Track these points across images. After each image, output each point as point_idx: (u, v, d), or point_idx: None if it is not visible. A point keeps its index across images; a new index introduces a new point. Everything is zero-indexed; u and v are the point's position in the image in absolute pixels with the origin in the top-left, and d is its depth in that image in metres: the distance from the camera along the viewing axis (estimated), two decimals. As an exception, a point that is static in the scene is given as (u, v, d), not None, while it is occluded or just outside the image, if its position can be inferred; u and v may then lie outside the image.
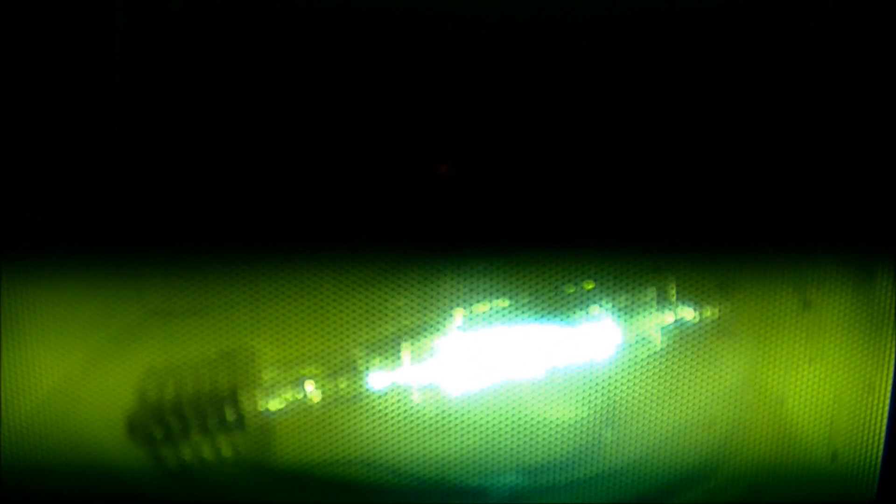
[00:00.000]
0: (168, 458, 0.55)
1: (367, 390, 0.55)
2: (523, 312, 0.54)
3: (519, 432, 0.55)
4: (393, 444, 0.55)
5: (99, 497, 0.56)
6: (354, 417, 0.55)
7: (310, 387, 0.55)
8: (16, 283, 0.54)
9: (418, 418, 0.55)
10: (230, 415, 0.55)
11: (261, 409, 0.55)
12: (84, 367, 0.56)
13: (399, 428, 0.55)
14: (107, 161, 0.56)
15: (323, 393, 0.55)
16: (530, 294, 0.54)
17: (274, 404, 0.55)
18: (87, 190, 0.56)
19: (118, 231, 0.55)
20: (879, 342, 0.56)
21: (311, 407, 0.55)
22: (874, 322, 0.56)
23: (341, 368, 0.55)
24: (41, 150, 0.55)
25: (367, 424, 0.55)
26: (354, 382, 0.55)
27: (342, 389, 0.55)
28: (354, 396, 0.55)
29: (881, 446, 0.56)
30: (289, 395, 0.55)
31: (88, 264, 0.55)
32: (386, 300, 0.54)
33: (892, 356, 0.56)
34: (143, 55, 0.56)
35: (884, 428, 0.56)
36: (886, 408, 0.55)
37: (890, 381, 0.56)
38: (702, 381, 0.56)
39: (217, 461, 0.55)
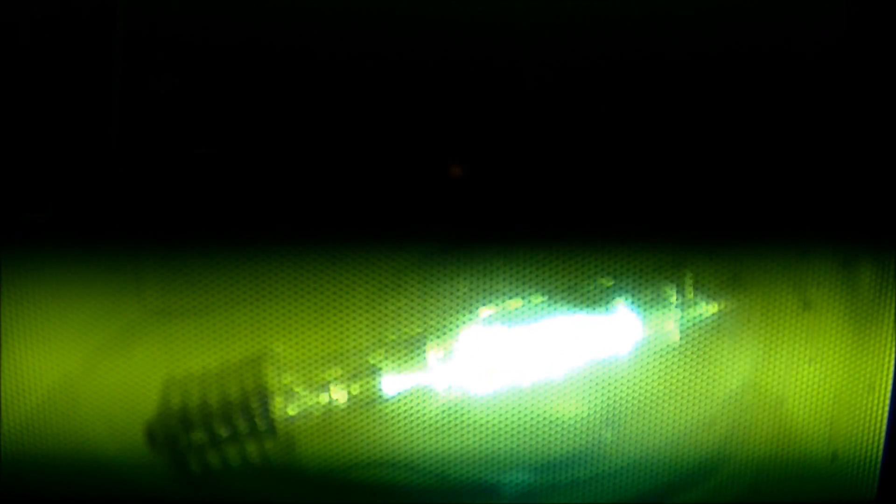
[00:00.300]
0: (169, 459, 0.55)
1: (386, 393, 0.55)
2: (534, 311, 0.54)
3: (529, 431, 0.55)
4: (414, 445, 0.55)
5: (99, 496, 0.56)
6: (369, 419, 0.55)
7: (322, 390, 0.55)
8: (16, 283, 0.54)
9: (440, 419, 0.55)
10: (248, 417, 0.55)
11: (271, 412, 0.55)
12: (84, 367, 0.56)
13: (421, 428, 0.55)
14: (107, 161, 0.56)
15: (330, 395, 0.55)
16: (540, 293, 0.54)
17: (287, 408, 0.55)
18: (87, 190, 0.56)
19: (120, 230, 0.55)
20: (879, 342, 0.56)
21: (320, 409, 0.55)
22: (874, 322, 0.56)
23: (355, 371, 0.55)
24: (41, 151, 0.55)
25: (386, 425, 0.55)
26: (369, 385, 0.55)
27: (355, 392, 0.55)
28: (371, 399, 0.55)
29: (881, 446, 0.56)
30: (303, 399, 0.55)
31: (88, 264, 0.55)
32: (398, 301, 0.54)
33: (892, 356, 0.56)
34: (143, 55, 0.56)
35: (884, 428, 0.56)
36: (886, 408, 0.55)
37: (890, 381, 0.56)
38: (702, 380, 0.56)
39: (217, 462, 0.55)
